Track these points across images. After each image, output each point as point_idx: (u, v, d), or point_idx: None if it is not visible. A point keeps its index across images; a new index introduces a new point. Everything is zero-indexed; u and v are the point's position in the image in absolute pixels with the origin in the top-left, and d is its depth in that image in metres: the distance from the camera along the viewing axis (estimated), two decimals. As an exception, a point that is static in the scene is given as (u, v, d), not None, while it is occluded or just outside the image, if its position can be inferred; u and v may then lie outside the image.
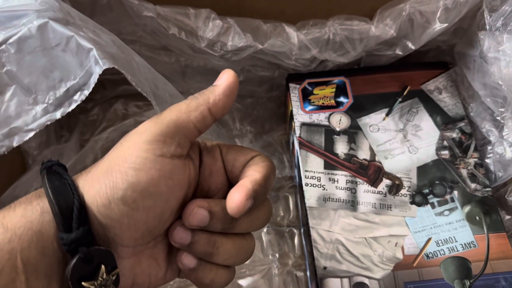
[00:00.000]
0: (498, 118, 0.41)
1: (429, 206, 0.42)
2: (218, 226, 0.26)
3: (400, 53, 0.46)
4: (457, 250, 0.40)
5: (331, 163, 0.43)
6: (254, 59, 0.46)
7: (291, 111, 0.47)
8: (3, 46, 0.29)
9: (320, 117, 0.46)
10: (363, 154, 0.44)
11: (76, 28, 0.30)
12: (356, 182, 0.43)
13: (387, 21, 0.43)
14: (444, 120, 0.45)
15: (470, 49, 0.44)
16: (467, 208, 0.41)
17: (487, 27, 0.39)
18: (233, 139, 0.54)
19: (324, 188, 0.42)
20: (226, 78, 0.26)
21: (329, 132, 0.45)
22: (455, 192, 0.42)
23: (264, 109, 0.56)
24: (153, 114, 0.28)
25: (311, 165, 0.43)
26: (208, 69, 0.50)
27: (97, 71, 0.29)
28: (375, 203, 0.42)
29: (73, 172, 0.25)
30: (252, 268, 0.47)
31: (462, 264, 0.39)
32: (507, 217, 0.43)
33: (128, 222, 0.24)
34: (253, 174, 0.26)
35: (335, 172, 0.43)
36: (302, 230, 0.48)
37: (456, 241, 0.40)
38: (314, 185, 0.42)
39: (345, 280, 0.39)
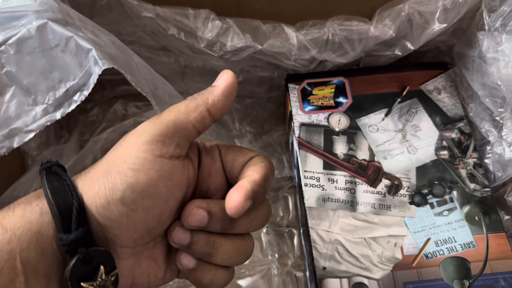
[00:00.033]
0: (497, 118, 0.41)
1: (428, 206, 0.42)
2: (217, 226, 0.26)
3: (399, 53, 0.46)
4: (456, 250, 0.40)
5: (330, 164, 0.44)
6: (253, 59, 0.47)
7: (290, 111, 0.47)
8: (3, 47, 0.29)
9: (319, 118, 0.46)
10: (362, 155, 0.44)
11: (75, 28, 0.30)
12: (355, 183, 0.43)
13: (386, 22, 0.44)
14: (443, 120, 0.45)
15: (469, 50, 0.44)
16: (466, 208, 0.41)
17: (486, 28, 0.40)
18: (233, 140, 0.54)
19: (324, 189, 0.42)
20: (225, 79, 0.26)
21: (328, 133, 0.45)
22: (454, 192, 0.42)
23: (264, 110, 0.56)
24: (153, 114, 0.28)
25: (310, 165, 0.43)
26: (208, 69, 0.50)
27: (97, 71, 0.29)
28: (374, 203, 0.42)
29: (73, 172, 0.25)
30: (251, 268, 0.47)
31: (461, 264, 0.39)
32: (506, 217, 0.43)
33: (127, 222, 0.24)
34: (252, 175, 0.26)
35: (334, 172, 0.43)
36: (301, 231, 0.48)
37: (455, 241, 0.40)
38: (313, 186, 0.43)
39: (344, 281, 0.39)
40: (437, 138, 0.44)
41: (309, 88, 0.47)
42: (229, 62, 0.46)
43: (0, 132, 0.29)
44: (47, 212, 0.23)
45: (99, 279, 0.24)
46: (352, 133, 0.45)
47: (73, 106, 0.30)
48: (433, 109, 0.46)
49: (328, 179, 0.43)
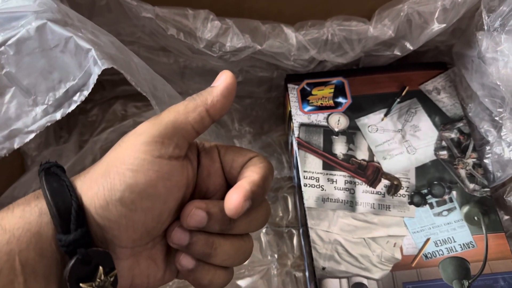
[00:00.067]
0: (497, 118, 0.41)
1: (427, 206, 0.42)
2: (216, 227, 0.26)
3: (398, 53, 0.46)
4: (456, 250, 0.40)
5: (330, 164, 0.44)
6: (252, 59, 0.47)
7: (290, 111, 0.47)
8: (2, 48, 0.29)
9: (319, 118, 0.46)
10: (361, 155, 0.44)
11: (74, 29, 0.30)
12: (354, 183, 0.43)
13: (385, 22, 0.44)
14: (442, 121, 0.45)
15: (468, 50, 0.44)
16: (466, 208, 0.41)
17: (485, 28, 0.40)
18: (232, 140, 0.54)
19: (323, 189, 0.42)
20: (224, 79, 0.26)
21: (328, 133, 0.45)
22: (454, 193, 0.42)
23: (263, 110, 0.56)
24: (152, 114, 0.28)
25: (310, 165, 0.43)
26: (207, 70, 0.50)
27: (96, 71, 0.29)
28: (373, 204, 0.42)
29: (72, 173, 0.25)
30: (251, 268, 0.47)
31: (460, 264, 0.39)
32: (506, 217, 0.43)
33: (126, 223, 0.24)
34: (251, 175, 0.26)
35: (333, 172, 0.43)
36: (301, 231, 0.48)
37: (454, 241, 0.40)
38: (313, 186, 0.43)
39: (344, 281, 0.39)
40: (437, 138, 0.44)
41: (308, 88, 0.47)
42: (228, 62, 0.46)
43: (0, 133, 0.29)
44: (46, 213, 0.23)
45: (98, 280, 0.24)
46: (352, 133, 0.45)
47: (73, 107, 0.30)
48: (432, 109, 0.46)
49: (328, 179, 0.43)
